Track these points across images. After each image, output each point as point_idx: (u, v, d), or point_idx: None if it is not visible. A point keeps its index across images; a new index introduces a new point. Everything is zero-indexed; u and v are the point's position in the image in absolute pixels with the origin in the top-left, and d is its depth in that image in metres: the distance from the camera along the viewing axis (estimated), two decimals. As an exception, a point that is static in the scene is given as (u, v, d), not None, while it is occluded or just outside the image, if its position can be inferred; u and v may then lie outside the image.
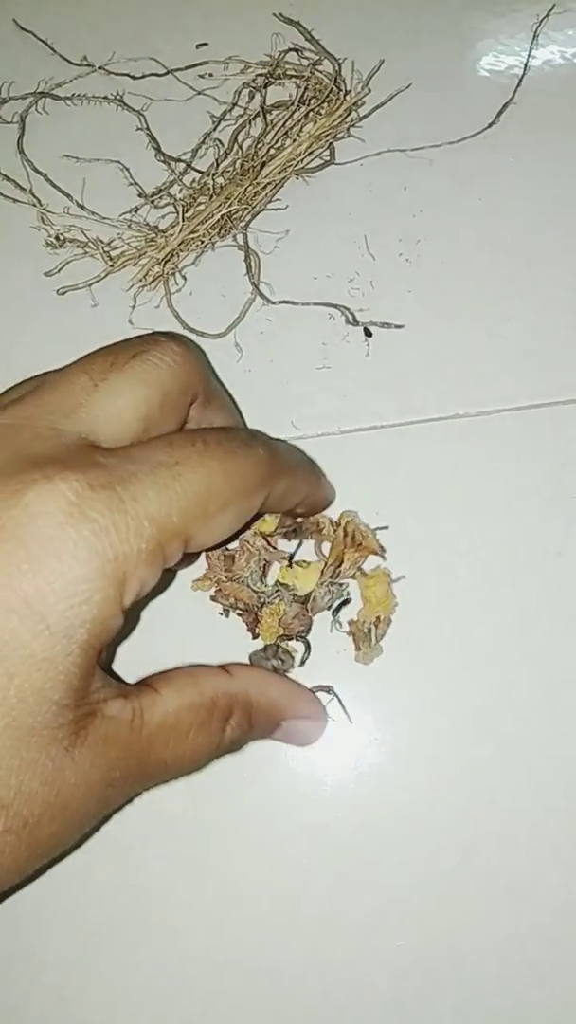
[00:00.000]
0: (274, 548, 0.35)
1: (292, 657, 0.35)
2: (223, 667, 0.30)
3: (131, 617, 0.33)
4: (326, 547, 0.36)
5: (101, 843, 0.35)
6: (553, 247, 0.39)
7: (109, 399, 0.27)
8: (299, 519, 0.36)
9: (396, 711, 0.35)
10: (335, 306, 0.38)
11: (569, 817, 0.34)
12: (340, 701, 0.35)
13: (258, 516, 0.34)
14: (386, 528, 0.36)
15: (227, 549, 0.36)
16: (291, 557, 0.36)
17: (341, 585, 0.35)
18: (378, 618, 0.35)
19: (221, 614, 0.36)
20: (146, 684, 0.28)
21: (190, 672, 0.29)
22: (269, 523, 0.35)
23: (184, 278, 0.39)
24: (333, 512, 0.36)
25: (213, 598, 0.35)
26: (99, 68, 0.43)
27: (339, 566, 0.35)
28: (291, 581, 0.35)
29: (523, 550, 0.36)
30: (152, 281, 0.39)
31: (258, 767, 0.35)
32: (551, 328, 0.38)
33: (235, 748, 0.30)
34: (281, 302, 0.39)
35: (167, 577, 0.36)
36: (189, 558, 0.33)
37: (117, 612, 0.25)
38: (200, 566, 0.36)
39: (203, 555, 0.36)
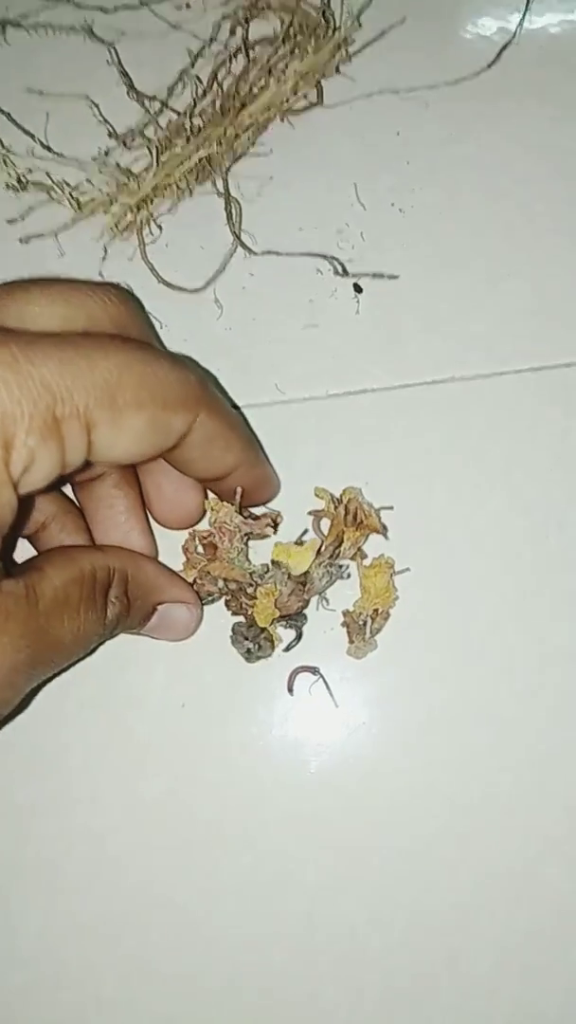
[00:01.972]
0: (255, 519, 0.33)
1: (272, 645, 0.33)
2: (96, 546, 0.31)
3: (25, 511, 0.30)
4: (325, 524, 0.34)
5: (72, 833, 0.33)
6: (557, 198, 0.37)
7: (26, 306, 0.26)
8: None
9: (386, 693, 0.33)
10: (323, 256, 0.36)
11: (570, 806, 0.32)
12: (326, 682, 0.33)
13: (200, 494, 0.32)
14: (391, 508, 0.34)
15: (204, 537, 0.33)
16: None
17: (340, 566, 0.33)
18: (376, 611, 0.33)
19: (205, 602, 0.33)
20: (28, 564, 0.27)
21: (66, 550, 0.29)
22: (225, 510, 0.32)
23: (159, 227, 0.36)
24: (335, 487, 0.34)
25: (195, 585, 0.33)
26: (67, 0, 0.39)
27: (338, 546, 0.33)
28: (284, 560, 0.33)
29: (522, 522, 0.34)
30: (124, 230, 0.36)
31: (238, 752, 0.33)
32: (554, 285, 0.36)
33: (116, 629, 0.29)
34: (265, 253, 0.36)
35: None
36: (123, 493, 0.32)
37: (6, 481, 0.23)
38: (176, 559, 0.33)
39: (181, 549, 0.33)
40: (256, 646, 0.32)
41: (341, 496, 0.34)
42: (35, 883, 0.32)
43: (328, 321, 0.36)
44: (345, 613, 0.33)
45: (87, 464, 0.25)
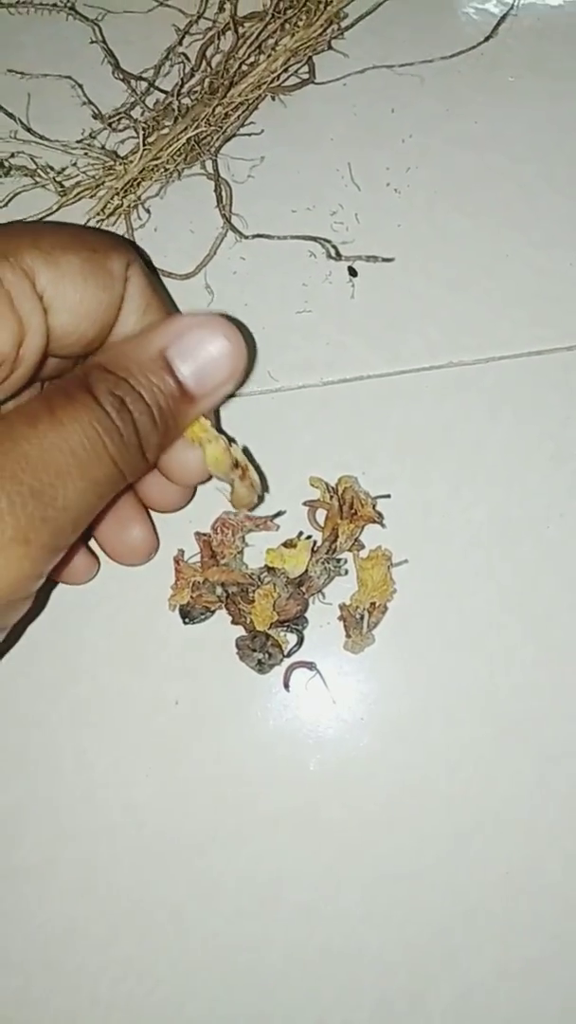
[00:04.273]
0: (259, 518, 0.32)
1: (281, 651, 0.32)
2: None
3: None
4: (320, 515, 0.33)
5: (65, 835, 0.32)
6: (556, 176, 0.36)
7: None
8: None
9: (384, 688, 0.32)
10: (316, 239, 0.35)
11: (570, 800, 0.32)
12: (322, 678, 0.33)
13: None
14: (388, 497, 0.33)
15: (203, 535, 0.32)
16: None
17: (338, 561, 0.32)
18: (373, 604, 0.32)
19: (202, 616, 0.33)
20: None
21: None
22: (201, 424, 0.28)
23: (148, 211, 0.35)
24: (331, 477, 0.33)
25: (190, 603, 0.32)
26: (50, -24, 0.38)
27: (334, 540, 0.32)
28: (279, 564, 0.32)
29: (523, 512, 0.33)
30: (111, 214, 0.35)
31: (233, 749, 0.32)
32: (554, 266, 0.35)
33: (145, 418, 0.24)
34: (256, 236, 0.35)
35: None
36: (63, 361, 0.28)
37: None
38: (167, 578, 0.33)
39: (172, 560, 0.33)
40: (267, 655, 0.32)
41: (337, 485, 0.33)
42: (28, 886, 0.32)
43: (322, 306, 0.35)
44: (342, 607, 0.32)
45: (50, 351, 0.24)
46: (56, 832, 0.32)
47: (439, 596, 0.33)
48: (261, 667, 0.32)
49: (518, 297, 0.35)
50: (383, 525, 0.33)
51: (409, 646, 0.33)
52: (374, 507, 0.32)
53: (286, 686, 0.32)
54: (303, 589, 0.32)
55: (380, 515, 0.32)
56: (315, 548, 0.32)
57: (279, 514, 0.33)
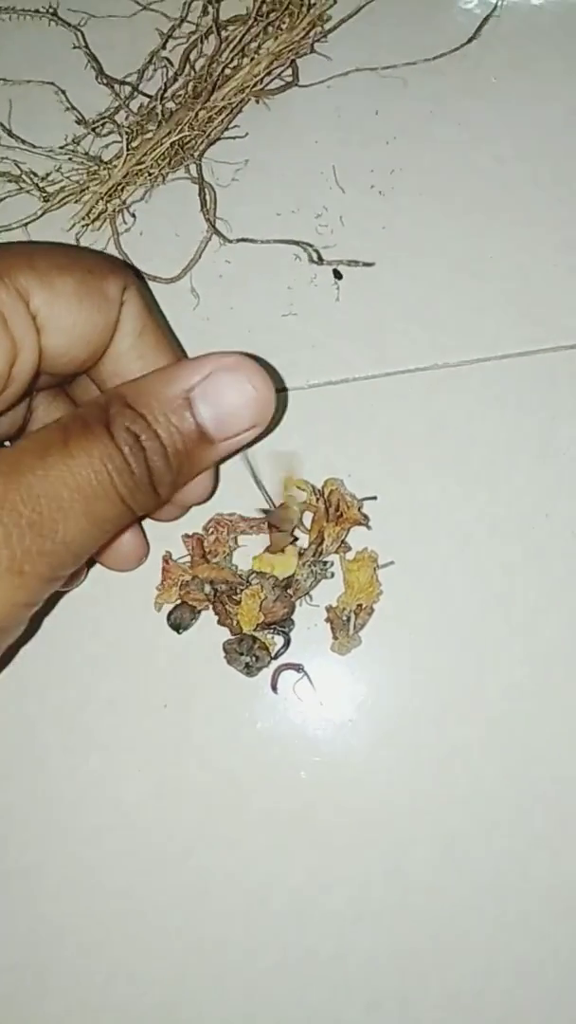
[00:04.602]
0: (253, 520, 0.32)
1: (268, 653, 0.32)
2: None
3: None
4: (307, 517, 0.33)
5: (54, 838, 0.32)
6: (540, 177, 0.36)
7: None
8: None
9: (371, 689, 0.33)
10: (300, 243, 0.35)
11: (557, 801, 0.32)
12: (310, 679, 0.33)
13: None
14: (374, 499, 0.33)
15: (194, 535, 0.32)
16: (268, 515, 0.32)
17: (325, 564, 0.32)
18: (359, 606, 0.32)
19: (192, 621, 0.33)
20: None
21: None
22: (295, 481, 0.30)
23: (132, 216, 0.35)
24: (317, 479, 0.33)
25: (179, 610, 0.32)
26: (33, -19, 0.38)
27: (320, 543, 0.32)
28: (267, 569, 0.32)
29: (510, 513, 0.33)
30: (96, 219, 0.35)
31: (221, 752, 0.32)
32: (538, 268, 0.35)
33: (159, 455, 0.24)
34: (240, 240, 0.35)
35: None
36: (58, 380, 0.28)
37: None
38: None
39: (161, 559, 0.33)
40: (254, 658, 0.32)
41: (323, 488, 0.33)
42: (16, 889, 0.32)
43: (307, 309, 0.35)
44: (328, 609, 0.32)
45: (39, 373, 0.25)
46: (46, 836, 0.32)
47: (425, 597, 0.33)
48: (249, 670, 0.32)
49: (503, 298, 0.35)
50: (369, 527, 0.33)
51: (396, 647, 0.33)
52: (360, 509, 0.32)
53: (274, 688, 0.33)
54: (290, 592, 0.32)
55: (366, 517, 0.33)
56: (301, 551, 0.32)
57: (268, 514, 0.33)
